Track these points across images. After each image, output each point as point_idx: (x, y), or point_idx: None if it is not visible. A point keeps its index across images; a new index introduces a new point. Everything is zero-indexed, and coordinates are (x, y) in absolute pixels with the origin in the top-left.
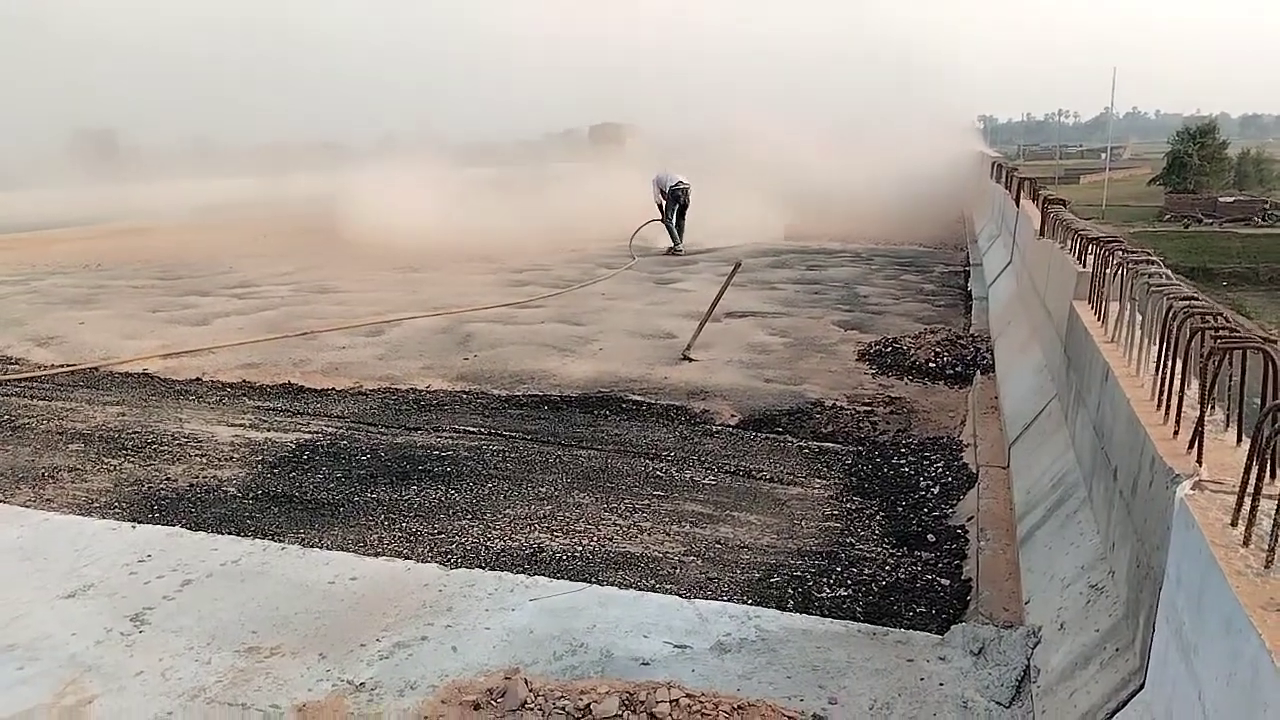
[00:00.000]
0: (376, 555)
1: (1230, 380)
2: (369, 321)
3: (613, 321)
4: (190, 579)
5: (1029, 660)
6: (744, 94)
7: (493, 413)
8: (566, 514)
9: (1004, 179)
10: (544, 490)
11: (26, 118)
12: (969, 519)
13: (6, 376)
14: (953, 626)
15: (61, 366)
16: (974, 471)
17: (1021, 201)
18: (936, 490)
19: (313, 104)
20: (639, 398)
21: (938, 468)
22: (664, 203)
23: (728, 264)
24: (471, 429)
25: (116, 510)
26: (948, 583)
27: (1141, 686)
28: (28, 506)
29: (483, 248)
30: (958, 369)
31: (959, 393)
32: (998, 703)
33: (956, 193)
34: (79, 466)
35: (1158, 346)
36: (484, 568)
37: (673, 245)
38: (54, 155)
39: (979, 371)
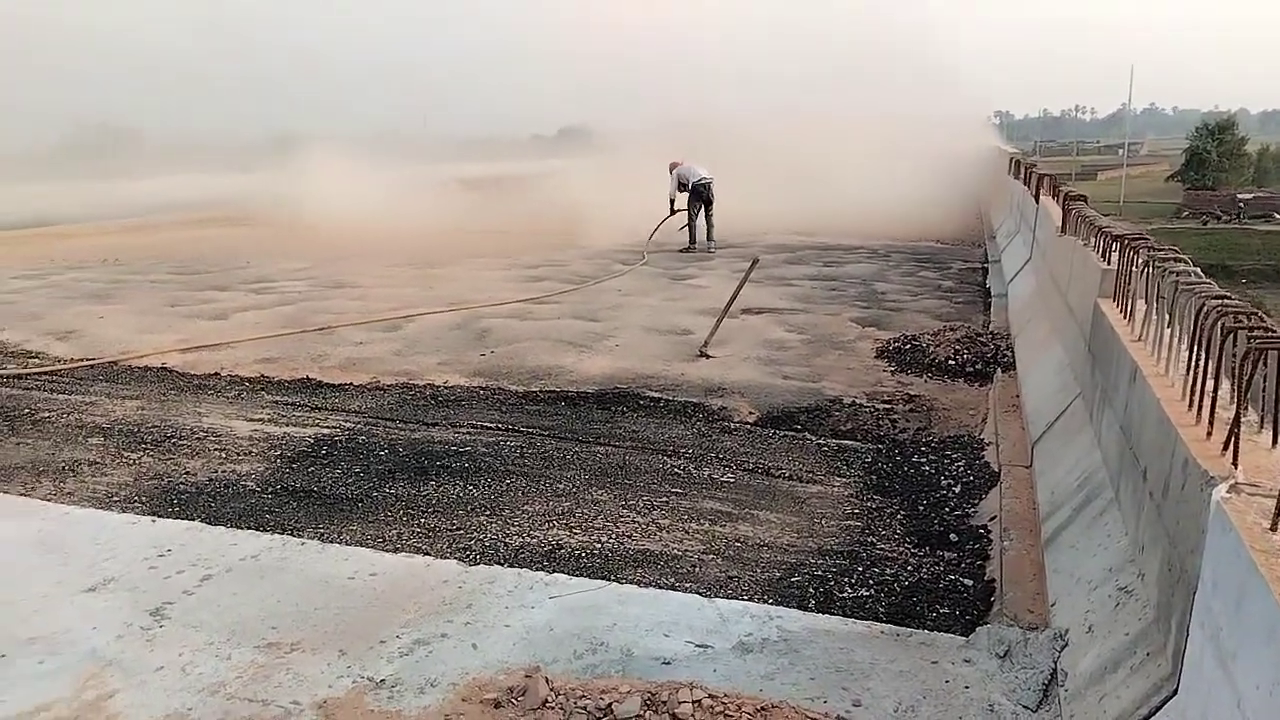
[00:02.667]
0: (396, 551)
1: (1264, 382)
2: (386, 317)
3: (629, 318)
4: (210, 574)
5: (1056, 663)
6: (755, 88)
7: (510, 408)
8: (584, 511)
9: (1023, 175)
10: (562, 487)
11: (30, 111)
12: (992, 519)
13: (26, 370)
14: (978, 628)
15: (80, 361)
16: (996, 470)
17: (1041, 198)
18: (958, 489)
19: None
20: (656, 394)
21: (959, 466)
22: (677, 197)
23: (744, 260)
24: (489, 425)
25: (136, 504)
26: (971, 583)
27: (1175, 692)
28: (49, 500)
29: (495, 244)
30: (978, 366)
31: (979, 390)
32: (1024, 706)
33: (974, 189)
34: (99, 460)
35: (1188, 346)
36: (503, 564)
37: (690, 243)
38: (57, 149)
39: (999, 369)
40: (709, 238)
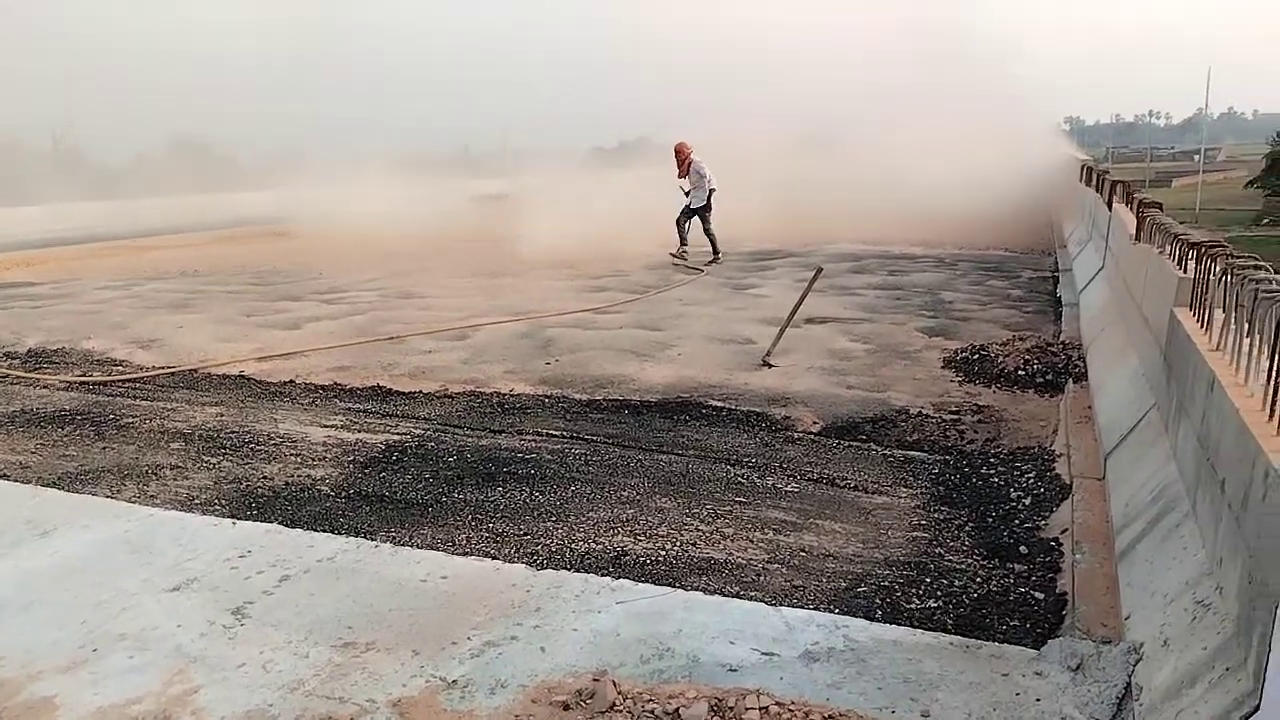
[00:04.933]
0: (465, 555)
1: None
2: (453, 326)
3: (691, 327)
4: (288, 575)
5: (1130, 678)
6: (821, 98)
7: (574, 417)
8: (649, 518)
9: (1095, 182)
10: (626, 494)
11: (125, 126)
12: (1063, 531)
13: (111, 378)
14: (1049, 641)
15: (162, 368)
16: (1068, 482)
17: (1114, 205)
18: (1028, 501)
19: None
20: (719, 403)
21: (1029, 478)
22: (706, 202)
23: (807, 270)
24: (554, 432)
25: (216, 507)
26: (1042, 596)
27: (1256, 708)
28: (134, 502)
29: (556, 254)
30: (1048, 377)
31: (1050, 401)
32: None
33: (1043, 196)
34: (180, 464)
35: (1269, 355)
36: (569, 570)
37: (681, 256)
38: (148, 164)
39: (1071, 380)
40: (715, 250)
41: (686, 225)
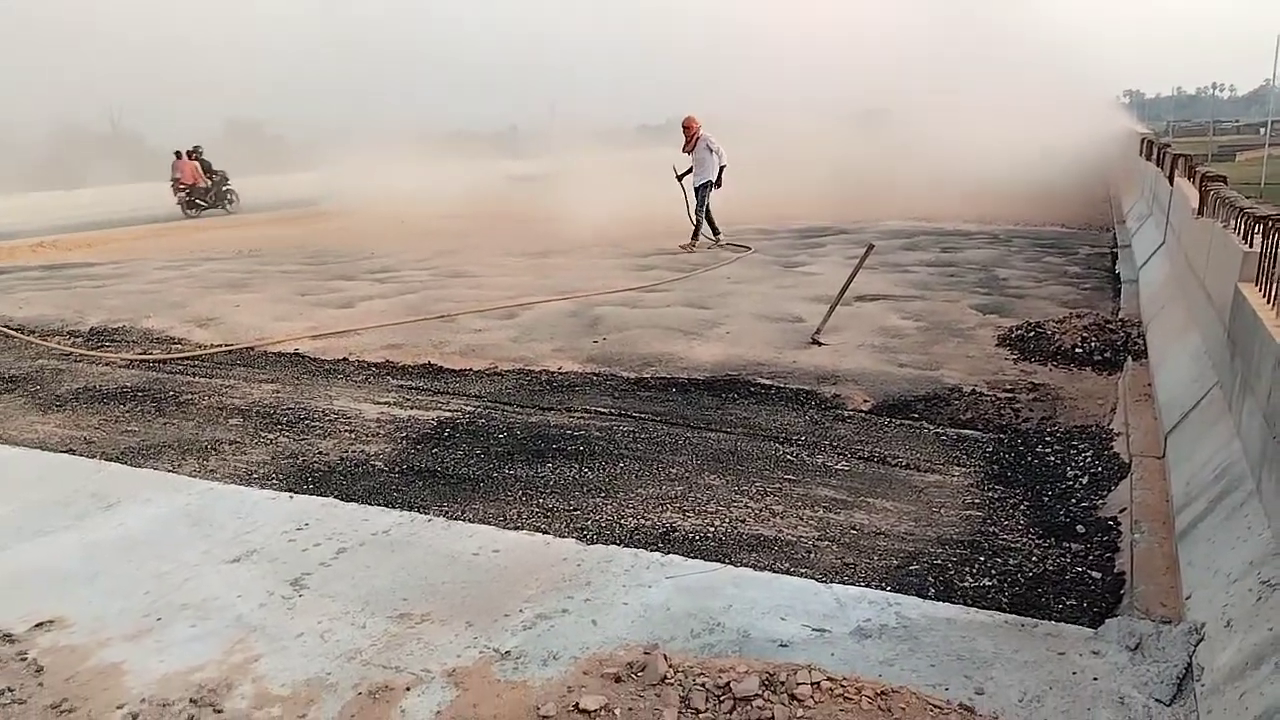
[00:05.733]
0: (516, 529)
1: None
2: (503, 305)
3: (739, 305)
4: (344, 547)
5: (1191, 658)
6: (874, 74)
7: (622, 394)
8: (697, 495)
9: (1155, 156)
10: (674, 471)
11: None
12: (1121, 510)
13: (170, 355)
14: (1107, 620)
15: (220, 346)
16: (1126, 461)
17: (1176, 180)
18: (1085, 480)
19: (445, 94)
20: (767, 381)
21: (1086, 457)
22: (710, 180)
23: (858, 247)
24: (602, 410)
25: (274, 481)
26: (1099, 576)
27: None
28: (194, 476)
29: (604, 233)
30: (1106, 355)
31: (1108, 380)
32: (1157, 700)
33: (1101, 171)
34: (239, 440)
35: None
36: (619, 545)
37: (703, 236)
38: (206, 145)
39: (1130, 357)
40: (702, 233)
41: (702, 209)
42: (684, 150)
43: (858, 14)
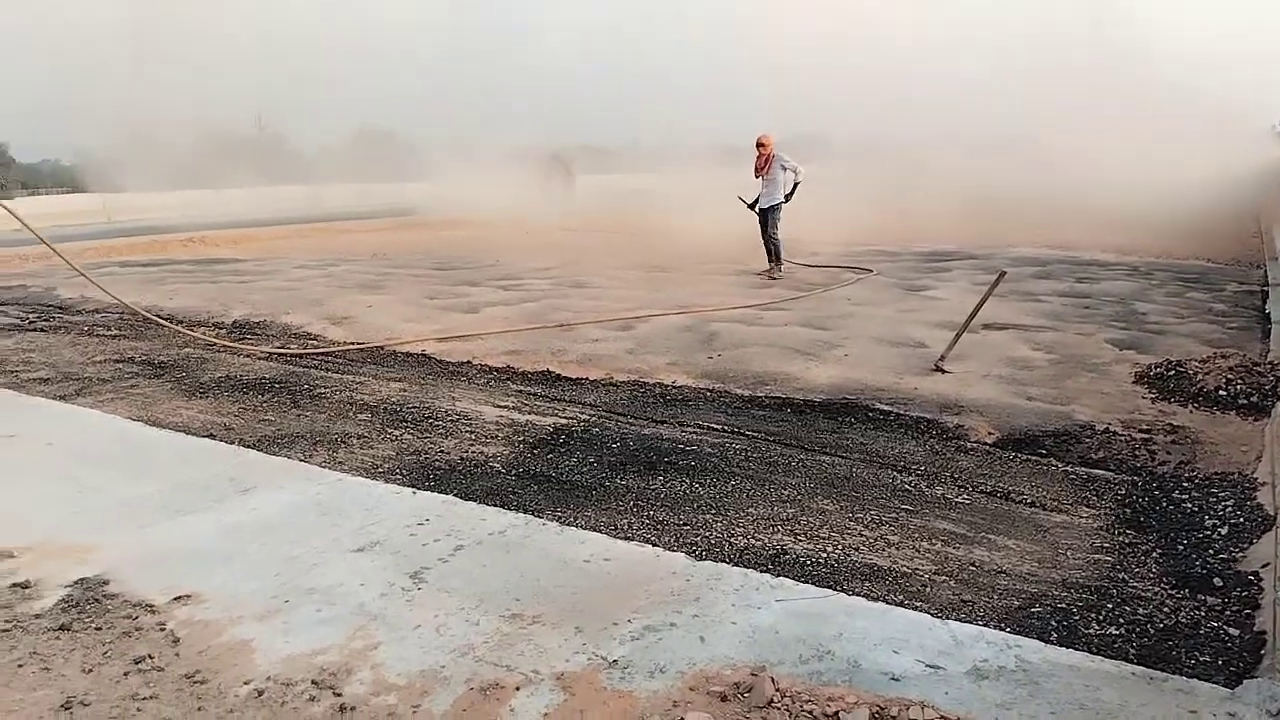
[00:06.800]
0: (627, 539)
1: None
2: (620, 316)
3: (859, 328)
4: (462, 545)
5: None
6: (1005, 96)
7: (735, 411)
8: (810, 519)
9: None
10: (786, 493)
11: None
12: (1264, 565)
13: (307, 350)
14: (1245, 680)
15: (353, 344)
16: (1271, 514)
17: None
18: (1225, 530)
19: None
20: (886, 407)
21: (1227, 506)
22: (780, 201)
23: (986, 274)
24: (715, 426)
25: (398, 476)
26: (1237, 633)
27: None
28: (324, 467)
29: (722, 249)
30: (1253, 399)
31: (1254, 425)
32: None
33: (1252, 204)
34: (366, 434)
35: None
36: (728, 563)
37: (775, 261)
38: (341, 152)
39: (1279, 403)
40: (778, 258)
41: (774, 234)
42: (757, 172)
43: (1001, 38)
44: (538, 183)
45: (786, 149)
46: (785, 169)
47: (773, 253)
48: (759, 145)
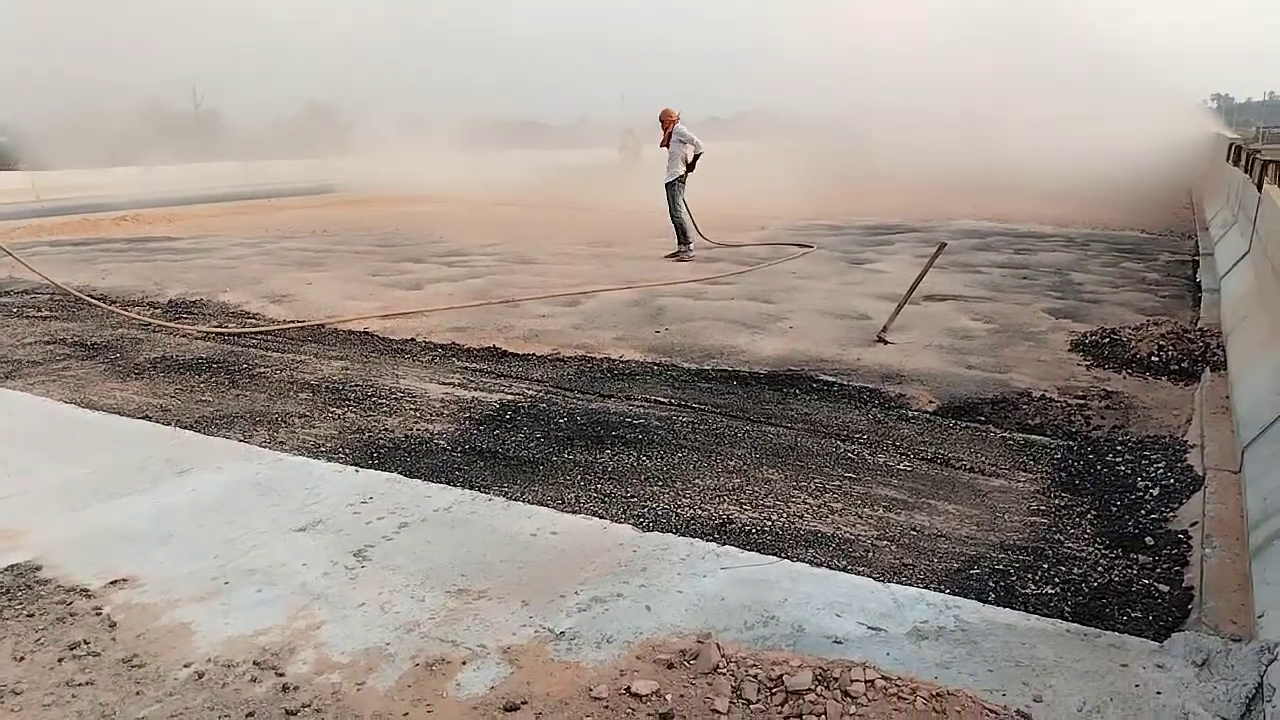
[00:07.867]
0: (574, 513)
1: None
2: (567, 292)
3: (804, 300)
4: (406, 522)
5: (1262, 678)
6: (946, 75)
7: (682, 385)
8: (755, 488)
9: (1243, 162)
10: (733, 464)
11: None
12: (1193, 524)
13: (245, 329)
14: (1174, 634)
15: (293, 323)
16: (1200, 474)
17: (1265, 186)
18: (1156, 492)
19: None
20: (830, 378)
21: (1158, 468)
22: (680, 175)
23: (928, 245)
24: (662, 399)
25: (340, 455)
26: (1167, 589)
27: None
28: (264, 447)
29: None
30: (1184, 364)
31: (1184, 390)
32: (1223, 718)
33: (1184, 176)
34: (307, 413)
35: None
36: (675, 533)
37: (684, 241)
38: (281, 127)
39: (1208, 368)
40: (697, 229)
41: (675, 212)
42: (662, 145)
43: (939, 13)
44: (613, 156)
45: (694, 127)
46: (684, 143)
47: (679, 232)
48: (661, 120)
